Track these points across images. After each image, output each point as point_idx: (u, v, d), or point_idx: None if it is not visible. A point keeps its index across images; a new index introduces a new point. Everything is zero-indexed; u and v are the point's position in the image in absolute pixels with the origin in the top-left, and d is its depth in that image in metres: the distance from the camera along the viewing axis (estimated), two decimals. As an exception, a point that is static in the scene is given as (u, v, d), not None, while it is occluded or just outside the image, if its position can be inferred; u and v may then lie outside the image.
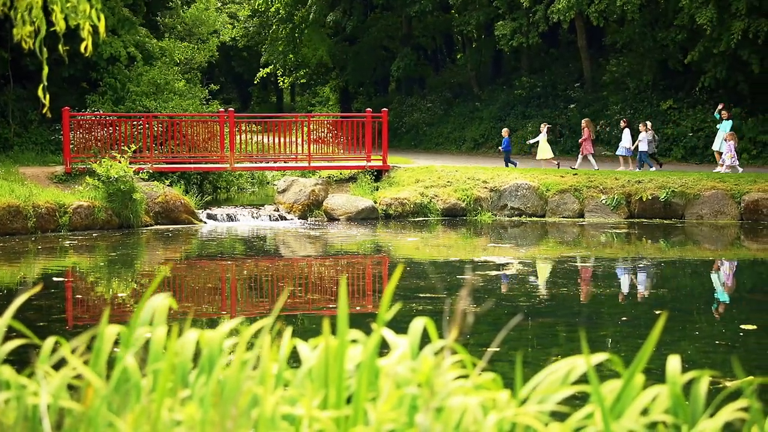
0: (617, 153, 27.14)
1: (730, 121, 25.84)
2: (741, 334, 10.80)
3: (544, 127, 27.34)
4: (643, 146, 25.98)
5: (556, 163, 27.08)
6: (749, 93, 30.52)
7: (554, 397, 2.72)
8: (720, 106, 26.68)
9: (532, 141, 28.13)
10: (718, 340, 10.52)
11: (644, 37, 32.34)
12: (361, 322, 10.08)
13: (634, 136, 26.69)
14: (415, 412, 2.61)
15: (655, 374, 4.44)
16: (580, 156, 27.12)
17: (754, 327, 11.14)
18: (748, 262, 18.10)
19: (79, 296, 14.00)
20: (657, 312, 12.14)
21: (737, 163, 25.08)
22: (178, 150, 25.23)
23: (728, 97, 31.40)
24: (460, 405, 2.56)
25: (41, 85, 5.33)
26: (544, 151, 27.00)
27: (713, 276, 16.50)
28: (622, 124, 27.30)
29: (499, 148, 28.08)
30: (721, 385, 7.25)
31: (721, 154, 25.39)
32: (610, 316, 12.17)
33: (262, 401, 2.55)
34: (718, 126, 26.29)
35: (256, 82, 59.06)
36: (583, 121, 27.58)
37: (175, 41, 34.12)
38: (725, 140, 25.02)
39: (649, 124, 26.41)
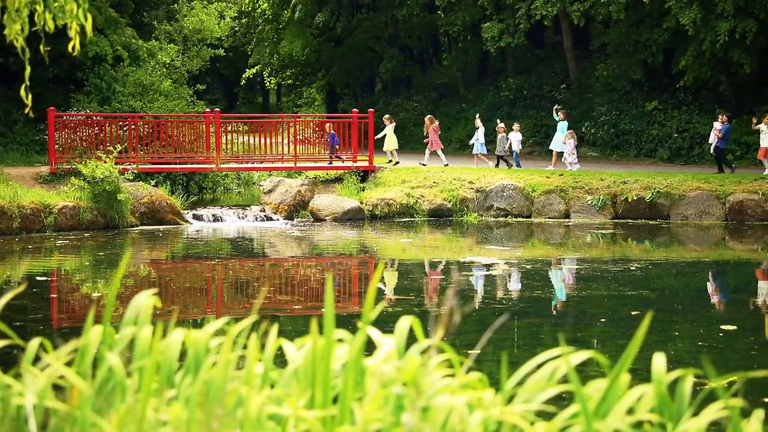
0: (474, 152, 28.09)
1: (566, 122, 27.22)
2: (721, 334, 10.84)
3: (388, 121, 27.35)
4: (515, 146, 27.47)
5: (396, 161, 27.34)
6: (733, 94, 30.67)
7: (540, 396, 2.72)
8: (556, 107, 28.57)
9: (379, 135, 27.99)
10: (702, 340, 10.56)
11: (629, 38, 32.44)
12: (348, 322, 10.07)
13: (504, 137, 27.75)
14: (402, 411, 2.61)
15: (640, 374, 4.45)
16: (427, 152, 27.53)
17: (735, 327, 11.18)
18: (732, 263, 18.18)
19: (64, 297, 13.95)
20: (642, 312, 12.18)
21: (576, 160, 26.52)
22: (163, 150, 25.17)
23: (712, 98, 31.57)
24: (447, 404, 2.56)
25: (23, 85, 5.31)
26: (391, 142, 27.16)
27: (698, 277, 16.56)
28: (477, 123, 28.16)
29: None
30: (707, 386, 7.29)
31: (560, 154, 26.86)
32: (595, 316, 12.20)
33: (245, 400, 2.55)
34: (558, 128, 27.47)
35: (242, 82, 59.01)
36: (426, 118, 27.90)
37: (163, 43, 34.03)
38: (567, 139, 26.44)
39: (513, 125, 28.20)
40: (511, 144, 27.50)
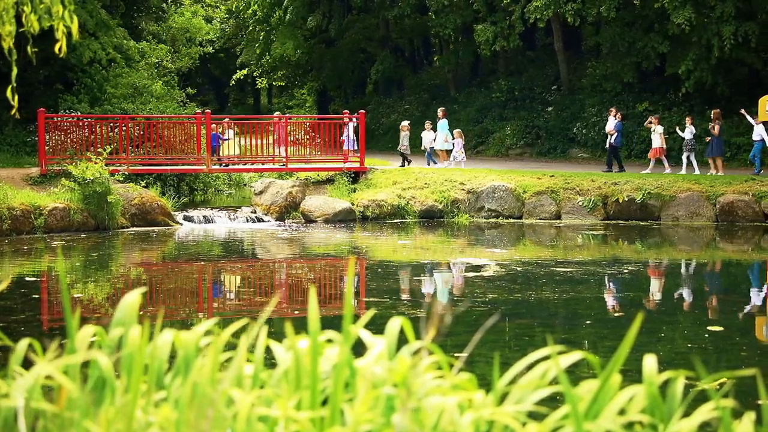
0: (346, 147, 28.17)
1: (446, 120, 27.98)
2: (710, 336, 10.85)
3: (227, 126, 27.34)
4: (427, 144, 28.41)
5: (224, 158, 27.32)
6: (724, 95, 30.76)
7: (531, 397, 2.71)
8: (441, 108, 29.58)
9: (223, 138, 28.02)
10: (692, 342, 10.58)
11: (622, 39, 32.51)
12: (339, 323, 10.06)
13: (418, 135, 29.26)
14: (392, 412, 2.60)
15: (630, 375, 4.45)
16: (278, 148, 27.34)
17: (723, 328, 11.20)
18: (722, 264, 18.21)
19: (54, 298, 13.91)
20: (632, 314, 12.20)
21: (465, 159, 27.64)
22: (154, 152, 25.13)
23: (702, 100, 31.63)
24: (438, 405, 2.55)
25: (10, 87, 5.30)
26: (232, 147, 27.15)
27: (688, 278, 16.59)
28: (346, 119, 28.32)
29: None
30: (698, 387, 7.29)
31: (449, 152, 27.84)
32: (585, 317, 12.21)
33: (215, 397, 2.53)
34: (438, 127, 28.19)
35: (232, 83, 59.01)
36: (275, 115, 27.96)
37: (154, 44, 33.99)
38: (452, 138, 27.52)
39: (426, 123, 29.20)
40: (404, 141, 28.15)
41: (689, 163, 25.76)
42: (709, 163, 25.87)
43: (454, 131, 27.83)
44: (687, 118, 26.58)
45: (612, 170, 25.94)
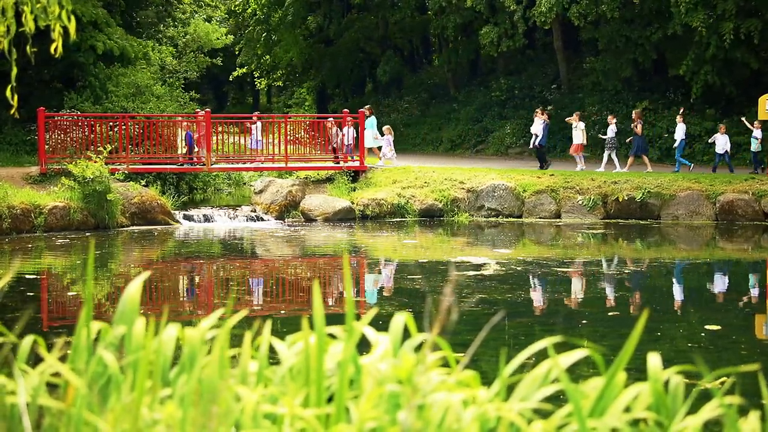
0: (251, 146, 28.02)
1: (374, 118, 28.06)
2: (709, 335, 10.84)
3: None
4: (348, 140, 28.12)
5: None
6: (726, 95, 30.75)
7: (537, 394, 2.71)
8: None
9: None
10: (691, 340, 10.57)
11: (621, 34, 32.50)
12: (341, 322, 10.05)
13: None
14: (397, 409, 2.60)
15: (632, 374, 4.45)
16: (198, 148, 27.13)
17: (720, 327, 11.18)
18: (722, 263, 18.21)
19: (54, 296, 13.90)
20: (633, 312, 12.20)
21: (395, 155, 27.75)
22: (154, 150, 25.11)
23: (702, 99, 31.62)
24: (443, 402, 2.55)
25: (9, 86, 5.29)
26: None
27: (688, 277, 16.59)
28: (252, 121, 28.44)
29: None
30: (701, 385, 7.28)
31: (379, 149, 27.90)
32: (586, 316, 12.21)
33: (221, 393, 2.53)
34: (366, 125, 28.14)
35: (231, 79, 58.96)
36: (195, 112, 28.17)
37: (154, 44, 34.01)
38: (384, 134, 27.72)
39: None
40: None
41: (609, 160, 26.43)
42: (628, 161, 26.39)
43: (384, 127, 27.94)
44: (610, 116, 27.41)
45: (545, 167, 26.41)
